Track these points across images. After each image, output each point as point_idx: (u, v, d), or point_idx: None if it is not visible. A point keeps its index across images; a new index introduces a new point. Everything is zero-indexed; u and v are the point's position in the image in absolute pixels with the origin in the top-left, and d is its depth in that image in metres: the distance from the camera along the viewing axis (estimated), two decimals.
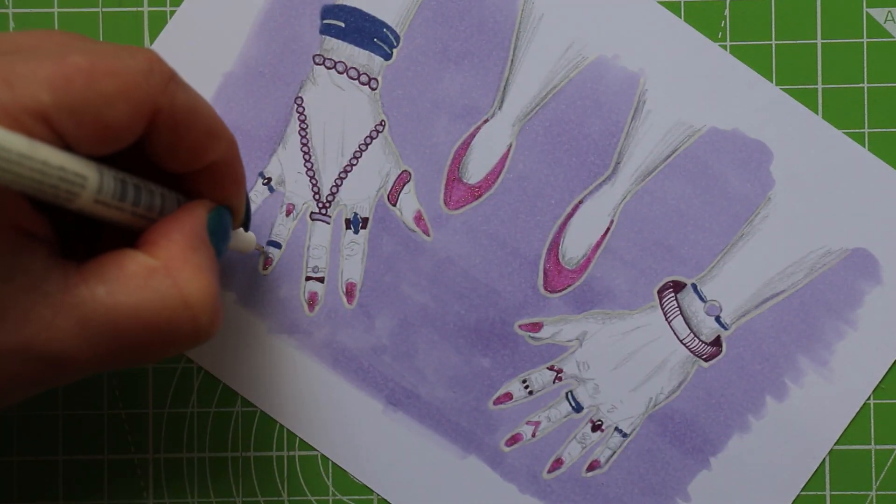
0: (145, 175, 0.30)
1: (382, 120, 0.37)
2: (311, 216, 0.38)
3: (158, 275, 0.28)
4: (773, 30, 0.37)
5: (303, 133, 0.38)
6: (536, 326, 0.37)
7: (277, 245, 0.38)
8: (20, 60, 0.26)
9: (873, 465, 0.37)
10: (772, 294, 0.37)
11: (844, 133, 0.37)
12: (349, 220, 0.38)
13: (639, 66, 0.37)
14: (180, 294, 0.28)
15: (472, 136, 0.37)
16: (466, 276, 0.37)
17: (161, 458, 0.38)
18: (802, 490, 0.37)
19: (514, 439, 0.38)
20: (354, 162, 0.37)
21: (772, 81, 0.37)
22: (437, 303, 0.37)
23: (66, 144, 0.26)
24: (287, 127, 0.37)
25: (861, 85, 0.37)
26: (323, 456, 0.38)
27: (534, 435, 0.38)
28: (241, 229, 0.34)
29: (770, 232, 0.37)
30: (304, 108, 0.37)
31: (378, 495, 0.38)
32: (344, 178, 0.38)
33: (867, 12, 0.37)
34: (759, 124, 0.37)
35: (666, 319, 0.37)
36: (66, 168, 0.26)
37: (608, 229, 0.37)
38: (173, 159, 0.29)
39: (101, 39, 0.38)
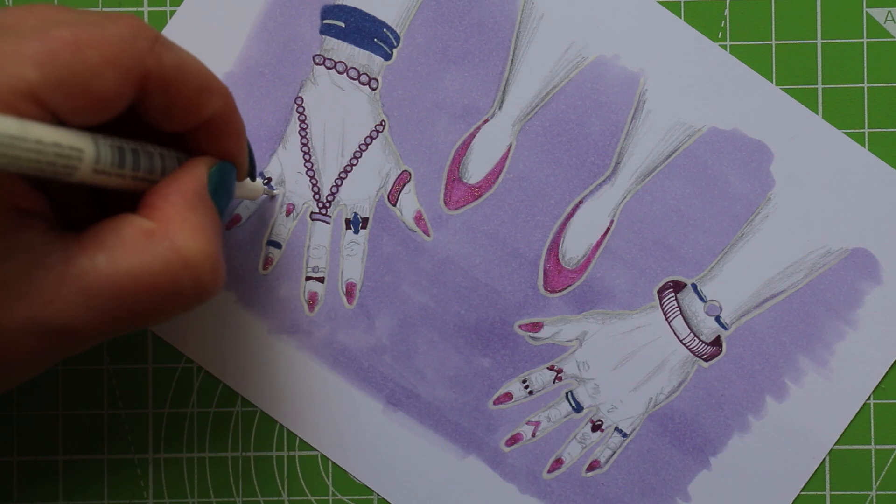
0: (145, 139, 0.30)
1: (382, 120, 0.37)
2: (311, 216, 0.38)
3: (156, 237, 0.28)
4: (773, 30, 0.37)
5: (303, 133, 0.38)
6: (536, 326, 0.37)
7: (277, 245, 0.38)
8: (3, 40, 0.26)
9: (873, 465, 0.37)
10: (772, 294, 0.37)
11: (844, 133, 0.37)
12: (349, 220, 0.38)
13: (639, 66, 0.37)
14: (179, 254, 0.28)
15: (473, 136, 0.37)
16: (466, 276, 0.37)
17: (161, 458, 0.38)
18: (802, 490, 0.37)
19: (514, 439, 0.38)
20: (354, 162, 0.37)
21: (772, 81, 0.37)
22: (437, 303, 0.37)
23: (58, 119, 0.26)
24: (287, 127, 0.37)
25: (861, 85, 0.37)
26: (323, 456, 0.38)
27: (534, 435, 0.38)
28: (248, 181, 0.34)
29: (770, 232, 0.37)
30: (304, 108, 0.37)
31: (378, 495, 0.38)
32: (344, 178, 0.38)
33: (867, 12, 0.37)
34: (759, 124, 0.37)
35: (666, 319, 0.37)
36: (60, 143, 0.26)
37: (608, 229, 0.37)
38: (169, 119, 0.29)
39: None
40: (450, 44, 0.37)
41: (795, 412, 0.37)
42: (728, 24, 0.37)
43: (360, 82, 0.37)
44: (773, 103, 0.37)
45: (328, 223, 0.38)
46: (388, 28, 0.37)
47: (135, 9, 0.38)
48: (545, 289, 0.37)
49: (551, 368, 0.37)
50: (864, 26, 0.37)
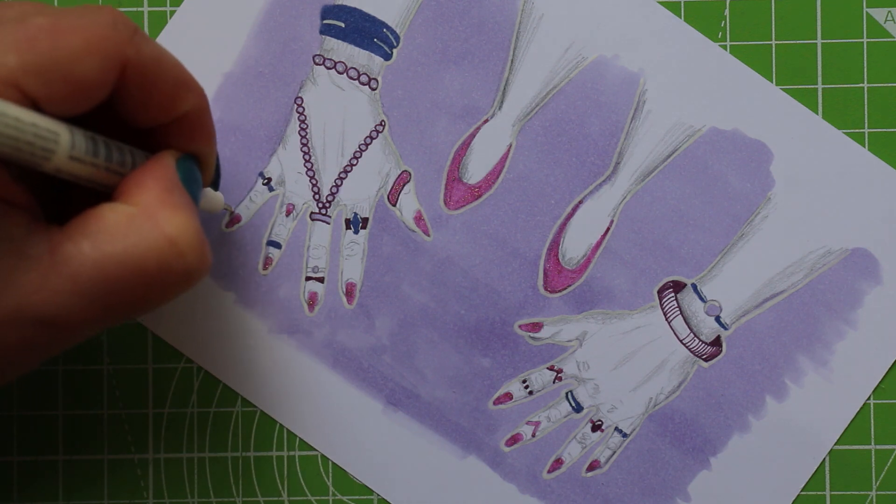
0: (112, 137, 0.30)
1: (382, 120, 0.37)
2: (310, 216, 0.38)
3: (138, 219, 0.28)
4: (773, 30, 0.37)
5: (303, 133, 0.38)
6: (536, 326, 0.37)
7: (277, 245, 0.38)
8: None
9: (873, 465, 0.37)
10: (772, 294, 0.37)
11: (844, 133, 0.37)
12: (349, 220, 0.38)
13: (639, 66, 0.37)
14: (163, 233, 0.28)
15: (472, 136, 0.37)
16: (466, 276, 0.37)
17: (161, 458, 0.38)
18: (802, 490, 0.37)
19: (514, 439, 0.38)
20: (354, 162, 0.37)
21: (772, 81, 0.37)
22: (437, 303, 0.37)
23: (37, 107, 0.26)
24: (287, 127, 0.37)
25: (861, 85, 0.37)
26: (323, 456, 0.38)
27: (534, 435, 0.38)
28: (210, 189, 0.34)
29: (770, 232, 0.37)
30: (304, 109, 0.37)
31: (378, 495, 0.38)
32: (344, 179, 0.38)
33: (867, 12, 0.37)
34: (759, 124, 0.37)
35: (666, 319, 0.37)
36: (38, 125, 0.26)
37: (608, 229, 0.37)
38: (144, 112, 0.29)
39: None
40: (450, 44, 0.37)
41: (795, 412, 0.37)
42: (728, 24, 0.37)
43: (359, 82, 0.37)
44: (773, 103, 0.37)
45: (328, 223, 0.38)
46: (388, 28, 0.37)
47: (135, 9, 0.38)
48: (545, 289, 0.37)
49: (551, 368, 0.37)
50: (864, 26, 0.37)
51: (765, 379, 0.37)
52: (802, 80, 0.37)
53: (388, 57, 0.37)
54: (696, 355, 0.37)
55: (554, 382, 0.38)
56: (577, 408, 0.38)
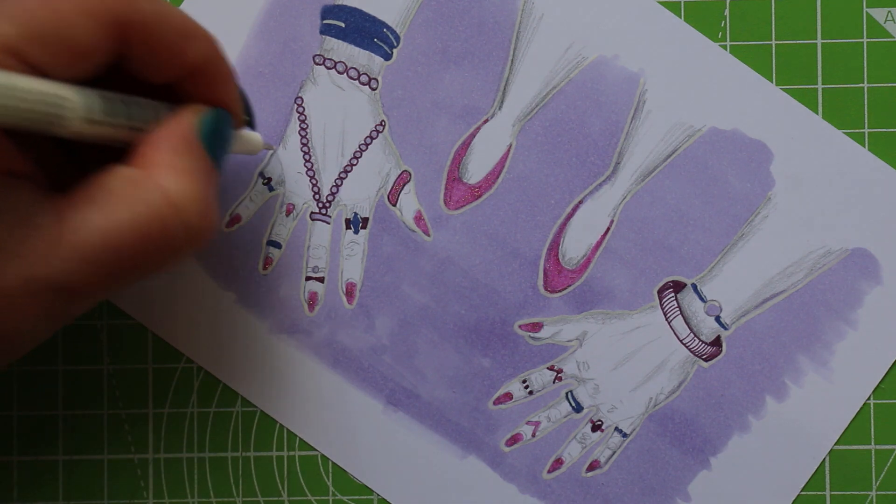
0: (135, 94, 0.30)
1: (382, 120, 0.37)
2: (311, 216, 0.38)
3: (142, 183, 0.28)
4: (773, 30, 0.37)
5: (303, 133, 0.37)
6: (536, 326, 0.37)
7: (277, 245, 0.38)
8: None
9: (873, 465, 0.37)
10: (772, 294, 0.37)
11: (844, 133, 0.37)
12: (349, 220, 0.38)
13: (639, 66, 0.37)
14: (166, 198, 0.28)
15: (472, 136, 0.37)
16: (466, 276, 0.37)
17: (161, 458, 0.38)
18: (802, 490, 0.37)
19: (514, 439, 0.38)
20: (354, 162, 0.37)
21: (772, 81, 0.37)
22: (436, 303, 0.37)
23: (41, 73, 0.27)
24: (287, 127, 0.37)
25: (861, 85, 0.37)
26: (323, 456, 0.38)
27: (534, 435, 0.38)
28: (246, 130, 0.34)
29: (770, 232, 0.37)
30: (304, 108, 0.37)
31: (378, 495, 0.38)
32: (344, 178, 0.38)
33: (867, 12, 0.37)
34: (759, 124, 0.37)
35: (666, 319, 0.37)
36: (45, 91, 0.26)
37: (608, 229, 0.37)
38: (154, 69, 0.29)
39: None
40: (450, 44, 0.37)
41: (795, 412, 0.37)
42: (728, 24, 0.37)
43: (360, 82, 0.37)
44: (773, 103, 0.37)
45: (328, 223, 0.38)
46: (388, 28, 0.37)
47: None
48: (545, 289, 0.37)
49: (551, 368, 0.37)
50: (864, 26, 0.37)
51: (765, 379, 0.37)
52: (802, 80, 0.37)
53: (388, 57, 0.37)
54: (697, 355, 0.37)
55: (554, 382, 0.37)
56: (577, 408, 0.38)
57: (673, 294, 0.37)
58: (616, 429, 0.37)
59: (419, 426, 0.37)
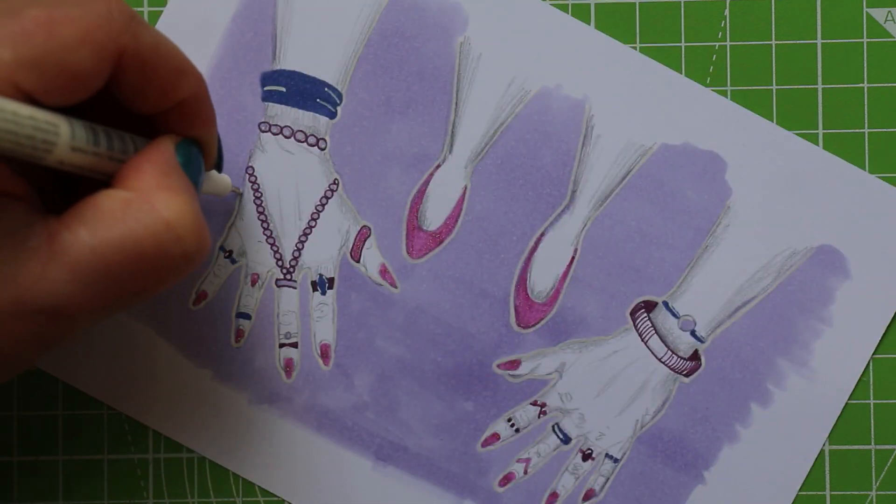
0: (112, 124, 0.30)
1: (335, 179, 0.37)
2: (276, 283, 0.38)
3: (135, 204, 0.28)
4: (773, 30, 0.37)
5: (258, 202, 0.37)
6: (514, 364, 0.37)
7: (247, 316, 0.38)
8: None
9: (873, 465, 0.37)
10: (743, 301, 0.37)
11: (844, 133, 0.37)
12: (315, 282, 0.37)
13: (582, 93, 0.37)
14: (159, 217, 0.28)
15: (427, 183, 0.37)
16: (439, 323, 0.37)
17: (161, 458, 0.38)
18: (802, 490, 0.37)
19: (507, 478, 0.37)
20: (313, 224, 0.37)
21: (772, 83, 0.37)
22: (412, 353, 0.37)
23: (33, 100, 0.27)
24: (241, 197, 0.37)
25: (861, 85, 0.37)
26: None
27: (526, 472, 0.37)
28: (215, 171, 0.34)
29: (733, 240, 0.37)
30: (256, 177, 0.37)
31: None
32: (304, 241, 0.38)
33: (867, 12, 0.37)
34: (708, 135, 0.37)
35: (642, 340, 0.37)
36: (36, 117, 0.26)
37: (573, 258, 0.37)
38: (143, 99, 0.29)
39: None
40: (392, 94, 0.37)
41: (782, 416, 0.37)
42: (728, 24, 0.37)
43: (308, 144, 0.37)
44: (720, 113, 0.37)
45: (294, 288, 0.38)
46: (329, 87, 0.37)
47: (136, 9, 0.38)
48: (518, 325, 0.37)
49: (535, 403, 0.37)
50: (864, 26, 0.37)
51: (747, 387, 0.37)
52: (802, 81, 0.37)
53: (332, 115, 0.37)
54: (676, 372, 0.37)
55: (539, 417, 0.37)
56: (566, 439, 0.38)
57: (646, 314, 0.37)
58: (607, 455, 0.37)
59: (411, 478, 0.37)
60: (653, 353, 0.37)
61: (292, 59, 0.37)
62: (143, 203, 0.28)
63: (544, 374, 0.37)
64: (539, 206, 0.37)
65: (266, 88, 0.37)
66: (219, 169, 0.35)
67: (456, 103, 0.37)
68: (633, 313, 0.37)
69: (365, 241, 0.37)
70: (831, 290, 0.37)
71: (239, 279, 0.38)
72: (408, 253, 0.37)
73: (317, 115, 0.37)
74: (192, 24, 0.37)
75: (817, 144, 0.37)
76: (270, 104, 0.37)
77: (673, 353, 0.37)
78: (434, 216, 0.37)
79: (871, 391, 0.37)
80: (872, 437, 0.37)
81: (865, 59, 0.37)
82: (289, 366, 0.37)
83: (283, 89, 0.37)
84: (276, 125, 0.37)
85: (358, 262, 0.37)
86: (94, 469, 0.38)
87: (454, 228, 0.37)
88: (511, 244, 0.37)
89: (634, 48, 0.37)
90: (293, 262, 0.38)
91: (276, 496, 0.37)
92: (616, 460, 0.37)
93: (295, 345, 0.37)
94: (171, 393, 0.37)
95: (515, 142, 0.37)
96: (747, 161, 0.37)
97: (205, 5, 0.37)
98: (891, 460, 0.37)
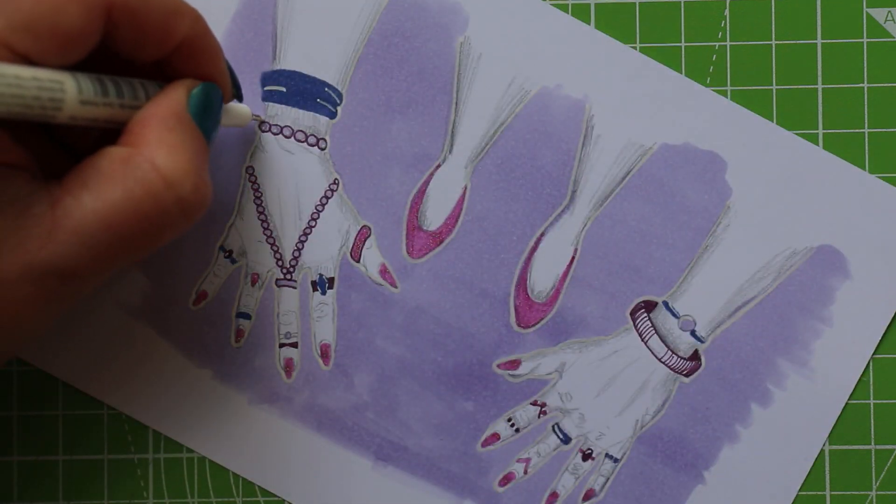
0: (123, 75, 0.30)
1: (336, 179, 0.37)
2: (276, 283, 0.38)
3: (133, 161, 0.28)
4: (773, 30, 0.37)
5: (258, 202, 0.37)
6: (514, 364, 0.37)
7: (247, 316, 0.37)
8: None
9: (873, 465, 0.37)
10: (743, 301, 0.37)
11: (844, 133, 0.37)
12: (315, 281, 0.37)
13: (582, 93, 0.37)
14: (158, 173, 0.28)
15: (427, 182, 0.37)
16: (439, 323, 0.37)
17: (161, 458, 0.38)
18: (802, 490, 0.37)
19: (507, 478, 0.37)
20: (313, 224, 0.37)
21: (772, 83, 0.37)
22: (412, 353, 0.37)
23: (31, 62, 0.27)
24: (241, 197, 0.37)
25: (861, 85, 0.37)
26: None
27: (526, 472, 0.37)
28: (234, 103, 0.35)
29: (733, 240, 0.37)
30: (256, 177, 0.37)
31: None
32: (304, 241, 0.38)
33: (867, 12, 0.37)
34: (708, 135, 0.37)
35: (642, 340, 0.37)
36: (39, 77, 0.26)
37: (573, 258, 0.37)
38: (141, 48, 0.30)
39: None
40: (392, 94, 0.37)
41: (782, 416, 0.37)
42: (728, 24, 0.37)
43: (308, 144, 0.37)
44: (720, 113, 0.37)
45: (295, 288, 0.38)
46: (330, 87, 0.37)
47: None
48: (518, 325, 0.37)
49: (535, 403, 0.37)
50: (864, 26, 0.37)
51: (747, 387, 0.37)
52: (802, 81, 0.37)
53: (332, 115, 0.37)
54: (677, 372, 0.37)
55: (539, 417, 0.37)
56: (565, 439, 0.38)
57: (646, 314, 0.37)
58: (606, 455, 0.37)
59: (411, 478, 0.37)
60: (653, 353, 0.37)
61: (292, 59, 0.37)
62: (141, 160, 0.28)
63: (544, 374, 0.37)
64: (539, 205, 0.37)
65: (266, 88, 0.37)
66: (239, 99, 0.35)
67: (456, 103, 0.37)
68: (633, 313, 0.37)
69: (365, 240, 0.37)
70: (831, 291, 0.37)
71: (239, 279, 0.38)
72: (408, 253, 0.37)
73: (317, 115, 0.37)
74: None
75: (817, 144, 0.37)
76: (270, 104, 0.37)
77: (673, 353, 0.37)
78: (434, 216, 0.37)
79: (871, 391, 0.37)
80: (872, 437, 0.37)
81: (865, 59, 0.37)
82: (289, 366, 0.37)
83: (284, 89, 0.37)
84: (277, 125, 0.37)
85: (358, 261, 0.37)
86: (94, 469, 0.38)
87: (454, 228, 0.37)
88: (511, 244, 0.37)
89: (634, 48, 0.37)
90: (293, 262, 0.38)
91: (276, 496, 0.37)
92: (616, 460, 0.37)
93: (295, 345, 0.37)
94: (171, 393, 0.37)
95: (516, 142, 0.37)
96: (747, 161, 0.37)
97: (205, 5, 0.37)
98: (891, 460, 0.37)
